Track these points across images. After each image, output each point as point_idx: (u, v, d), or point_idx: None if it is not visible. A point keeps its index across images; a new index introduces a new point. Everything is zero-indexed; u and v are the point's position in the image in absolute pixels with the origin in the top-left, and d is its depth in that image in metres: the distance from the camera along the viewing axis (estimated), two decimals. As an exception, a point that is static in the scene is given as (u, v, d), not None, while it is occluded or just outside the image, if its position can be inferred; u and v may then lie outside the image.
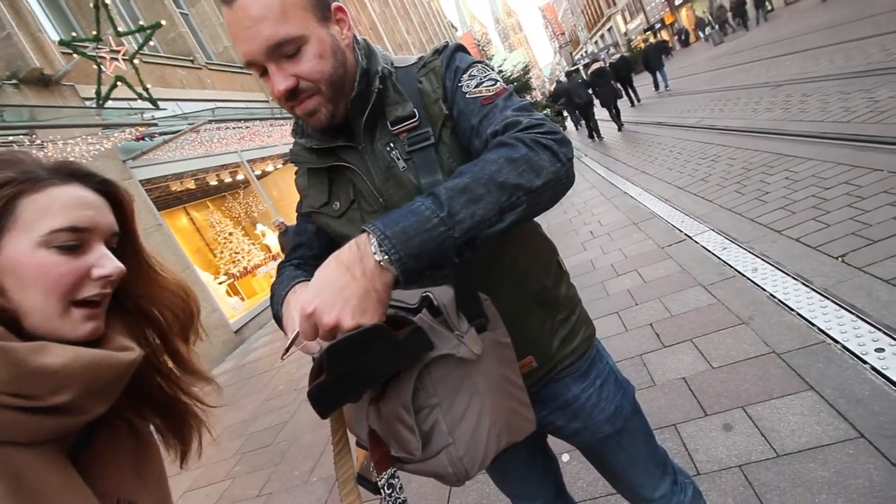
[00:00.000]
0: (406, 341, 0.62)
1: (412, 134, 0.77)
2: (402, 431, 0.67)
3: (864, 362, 1.75)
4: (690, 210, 4.05)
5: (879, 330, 1.86)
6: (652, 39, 34.53)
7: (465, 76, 0.78)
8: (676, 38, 30.45)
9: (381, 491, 0.67)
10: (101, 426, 0.57)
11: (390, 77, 0.80)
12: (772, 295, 2.38)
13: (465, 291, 0.72)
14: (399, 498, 0.67)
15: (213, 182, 9.05)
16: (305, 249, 0.93)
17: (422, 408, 0.66)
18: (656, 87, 14.26)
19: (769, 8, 20.68)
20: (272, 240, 9.83)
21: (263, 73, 0.71)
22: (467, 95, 0.76)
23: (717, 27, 21.83)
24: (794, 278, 2.43)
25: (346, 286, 0.57)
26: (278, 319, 0.80)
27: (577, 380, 0.90)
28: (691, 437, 1.78)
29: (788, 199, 3.38)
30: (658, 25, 37.60)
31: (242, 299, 8.99)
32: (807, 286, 2.33)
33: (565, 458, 1.93)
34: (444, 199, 0.60)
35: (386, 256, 0.57)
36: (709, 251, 3.14)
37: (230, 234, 9.62)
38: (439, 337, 0.66)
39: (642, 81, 15.60)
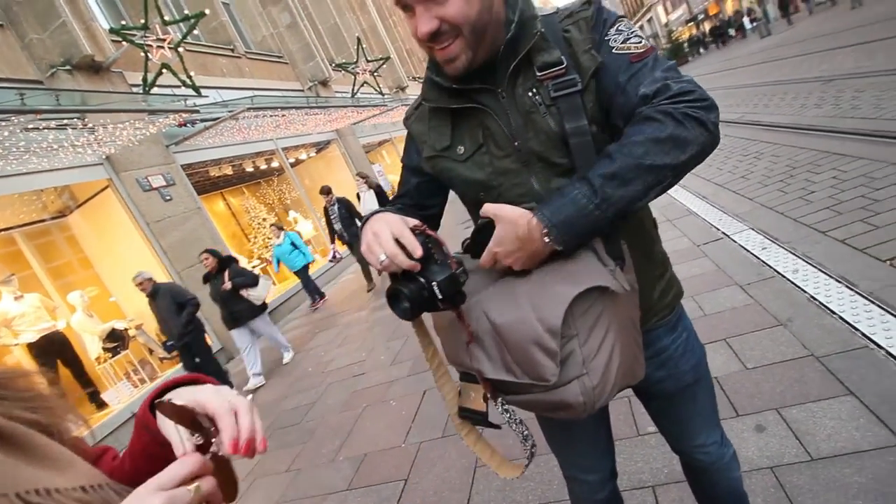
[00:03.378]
0: None
1: (558, 80, 0.77)
2: (537, 357, 0.70)
3: (911, 369, 1.68)
4: (729, 208, 3.92)
5: (929, 337, 1.78)
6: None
7: (613, 30, 0.78)
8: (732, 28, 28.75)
9: (505, 412, 0.78)
10: None
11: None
12: (813, 297, 2.30)
13: (611, 233, 0.78)
14: (516, 418, 0.78)
15: (249, 169, 9.31)
16: (406, 199, 0.99)
17: (561, 336, 0.70)
18: None
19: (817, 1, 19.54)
20: (305, 226, 10.04)
21: (406, 9, 0.73)
22: (614, 50, 0.77)
23: (763, 19, 20.79)
24: (837, 281, 2.34)
25: (519, 249, 0.74)
26: None
27: (668, 331, 0.96)
28: (721, 436, 1.75)
29: (835, 199, 3.24)
30: (701, 16, 36.09)
31: (274, 283, 9.24)
32: (851, 289, 2.23)
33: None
34: (597, 187, 0.70)
35: (552, 240, 0.71)
36: (747, 250, 3.05)
37: (263, 219, 9.88)
38: (596, 268, 0.73)
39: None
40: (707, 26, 33.04)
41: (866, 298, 2.13)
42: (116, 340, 6.03)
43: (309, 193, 10.07)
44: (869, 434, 1.52)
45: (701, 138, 0.70)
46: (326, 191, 7.02)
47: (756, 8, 23.21)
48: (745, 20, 22.68)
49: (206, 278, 4.95)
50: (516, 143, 0.81)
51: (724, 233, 3.47)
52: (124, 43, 5.95)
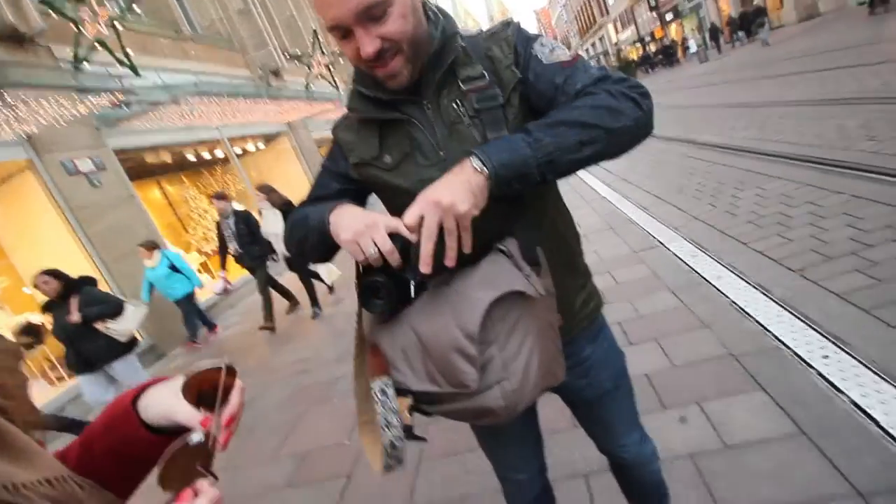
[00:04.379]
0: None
1: (481, 93, 0.82)
2: (457, 363, 0.70)
3: (812, 367, 1.88)
4: (665, 219, 4.19)
5: (827, 338, 2.00)
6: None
7: (537, 45, 0.85)
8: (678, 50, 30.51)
9: (375, 396, 0.73)
10: None
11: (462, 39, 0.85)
12: (733, 302, 2.51)
13: (527, 239, 0.80)
14: (390, 404, 0.72)
15: (191, 157, 8.83)
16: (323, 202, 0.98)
17: (481, 342, 0.71)
18: None
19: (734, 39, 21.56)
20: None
21: (345, 35, 0.74)
22: (544, 61, 0.83)
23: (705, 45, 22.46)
24: (755, 288, 2.57)
25: (445, 183, 0.71)
26: (319, 234, 0.82)
27: (590, 341, 1.01)
28: (649, 429, 1.86)
29: (756, 214, 3.55)
30: (648, 38, 38.28)
31: (213, 278, 8.81)
32: (766, 296, 2.46)
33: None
34: (532, 131, 0.73)
35: (482, 164, 0.70)
36: (679, 258, 3.27)
37: (205, 211, 9.40)
38: (512, 274, 0.74)
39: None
40: (653, 48, 35.07)
41: (779, 304, 2.35)
42: (31, 335, 5.51)
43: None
44: (776, 425, 1.68)
45: (634, 114, 0.74)
46: (220, 196, 5.46)
47: (697, 35, 24.90)
48: (691, 43, 24.39)
49: (49, 307, 3.71)
50: (442, 153, 0.84)
51: (659, 241, 3.71)
52: (54, 14, 5.47)
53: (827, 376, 1.81)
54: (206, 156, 9.09)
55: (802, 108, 6.25)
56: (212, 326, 6.26)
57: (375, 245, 0.70)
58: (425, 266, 0.69)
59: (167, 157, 8.33)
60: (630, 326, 2.66)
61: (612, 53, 46.89)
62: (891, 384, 1.67)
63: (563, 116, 0.74)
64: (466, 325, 0.70)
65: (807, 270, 2.59)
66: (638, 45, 39.47)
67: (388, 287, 0.73)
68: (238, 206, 5.71)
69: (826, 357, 1.90)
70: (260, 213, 5.67)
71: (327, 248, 0.85)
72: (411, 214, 0.70)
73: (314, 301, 5.33)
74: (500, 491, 1.26)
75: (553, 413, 2.14)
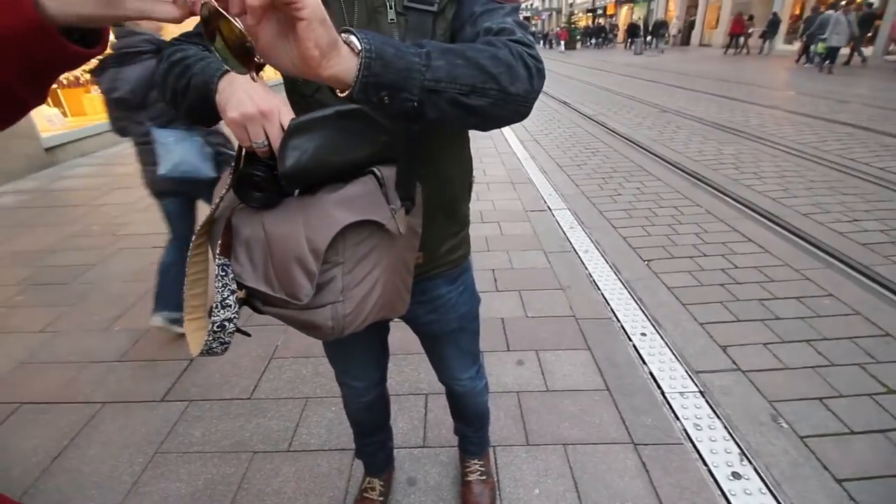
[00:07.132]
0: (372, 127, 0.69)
1: None
2: (296, 275, 0.68)
3: (630, 340, 2.24)
4: (560, 187, 4.49)
5: (648, 320, 2.39)
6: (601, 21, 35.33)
7: None
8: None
9: (218, 271, 0.71)
10: None
11: None
12: (590, 274, 2.84)
13: (407, 171, 0.76)
14: (230, 285, 0.71)
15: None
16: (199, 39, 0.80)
17: (325, 262, 0.68)
18: None
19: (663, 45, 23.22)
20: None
21: None
22: None
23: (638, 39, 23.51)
24: (610, 266, 2.93)
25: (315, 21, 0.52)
26: (201, 97, 0.70)
27: (447, 283, 1.04)
28: (491, 364, 2.10)
29: (632, 206, 3.98)
30: (600, 11, 38.62)
31: (65, 114, 7.34)
32: (616, 276, 2.83)
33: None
34: (426, 45, 0.59)
35: (358, 42, 0.52)
36: (560, 226, 3.57)
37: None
38: (376, 202, 0.70)
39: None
40: (603, 22, 35.49)
41: (624, 284, 2.72)
42: None
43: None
44: (589, 379, 2.00)
45: (526, 84, 0.66)
46: None
47: (640, 25, 25.74)
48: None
49: None
50: None
51: (548, 206, 3.98)
52: None
53: (639, 349, 2.18)
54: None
55: (696, 124, 6.98)
56: None
57: (266, 137, 0.64)
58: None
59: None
60: (501, 275, 2.88)
61: (564, 13, 46.47)
62: (681, 364, 2.08)
63: (463, 49, 0.63)
64: (314, 240, 0.67)
65: (652, 262, 3.01)
66: (590, 14, 39.64)
67: (269, 183, 0.68)
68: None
69: (644, 335, 2.28)
70: None
71: (208, 115, 0.74)
72: None
73: None
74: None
75: (412, 336, 2.29)
